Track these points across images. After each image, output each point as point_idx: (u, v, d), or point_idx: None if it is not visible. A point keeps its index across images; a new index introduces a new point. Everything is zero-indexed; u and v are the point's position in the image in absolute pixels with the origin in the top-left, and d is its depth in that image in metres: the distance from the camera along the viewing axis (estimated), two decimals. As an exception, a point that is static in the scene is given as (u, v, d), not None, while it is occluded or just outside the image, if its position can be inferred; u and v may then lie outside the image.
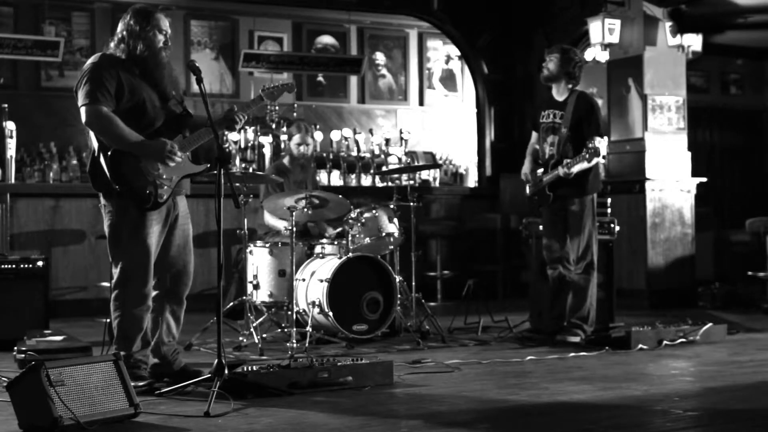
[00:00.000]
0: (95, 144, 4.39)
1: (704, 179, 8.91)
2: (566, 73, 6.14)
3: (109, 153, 4.33)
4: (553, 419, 3.90)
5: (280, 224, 6.65)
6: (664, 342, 5.93)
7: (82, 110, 4.34)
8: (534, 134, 6.41)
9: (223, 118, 4.63)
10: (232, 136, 9.47)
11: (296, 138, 6.91)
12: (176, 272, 4.61)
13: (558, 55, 6.14)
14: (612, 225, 6.56)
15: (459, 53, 11.12)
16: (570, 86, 6.18)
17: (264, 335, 6.03)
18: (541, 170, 6.21)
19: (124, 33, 4.43)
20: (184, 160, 4.50)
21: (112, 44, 4.49)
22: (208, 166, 4.60)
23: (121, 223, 4.43)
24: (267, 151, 9.68)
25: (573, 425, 3.75)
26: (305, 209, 6.03)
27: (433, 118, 11.86)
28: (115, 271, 4.47)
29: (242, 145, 9.62)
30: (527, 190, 6.34)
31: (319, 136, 10.19)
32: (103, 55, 4.47)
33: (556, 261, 6.20)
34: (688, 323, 6.15)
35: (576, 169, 5.96)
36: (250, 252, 6.41)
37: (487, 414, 3.96)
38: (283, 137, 8.25)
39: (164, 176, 4.43)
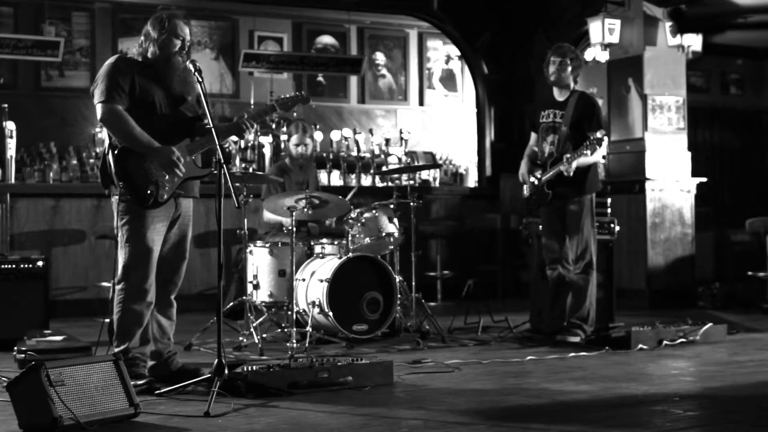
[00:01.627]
0: (107, 141, 4.54)
1: (704, 179, 8.92)
2: (575, 77, 6.18)
3: (116, 151, 4.43)
4: (553, 419, 3.89)
5: (281, 219, 6.63)
6: (664, 342, 5.93)
7: (98, 107, 4.50)
8: (533, 135, 6.40)
9: (232, 126, 4.76)
10: (232, 136, 9.47)
11: (294, 138, 6.93)
12: (167, 271, 4.64)
13: (569, 60, 6.11)
14: (612, 225, 6.56)
15: (459, 53, 11.12)
16: (572, 85, 6.19)
17: (264, 335, 6.03)
18: (539, 172, 6.20)
19: (143, 37, 4.61)
20: (189, 163, 4.57)
21: (134, 49, 4.67)
22: (212, 170, 4.65)
23: (125, 220, 4.51)
24: (267, 151, 9.69)
25: (573, 425, 3.75)
26: (305, 209, 6.04)
27: (433, 118, 11.86)
28: (120, 267, 4.53)
29: (242, 145, 9.63)
30: (524, 191, 6.34)
31: (319, 136, 10.20)
32: (120, 57, 4.67)
33: (555, 261, 6.20)
34: (688, 323, 6.15)
35: (576, 164, 5.95)
36: (250, 252, 6.41)
37: (487, 414, 3.96)
38: (283, 137, 8.26)
39: (167, 177, 4.49)
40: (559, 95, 6.20)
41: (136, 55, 4.65)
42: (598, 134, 5.94)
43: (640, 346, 5.79)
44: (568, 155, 5.96)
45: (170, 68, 4.60)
